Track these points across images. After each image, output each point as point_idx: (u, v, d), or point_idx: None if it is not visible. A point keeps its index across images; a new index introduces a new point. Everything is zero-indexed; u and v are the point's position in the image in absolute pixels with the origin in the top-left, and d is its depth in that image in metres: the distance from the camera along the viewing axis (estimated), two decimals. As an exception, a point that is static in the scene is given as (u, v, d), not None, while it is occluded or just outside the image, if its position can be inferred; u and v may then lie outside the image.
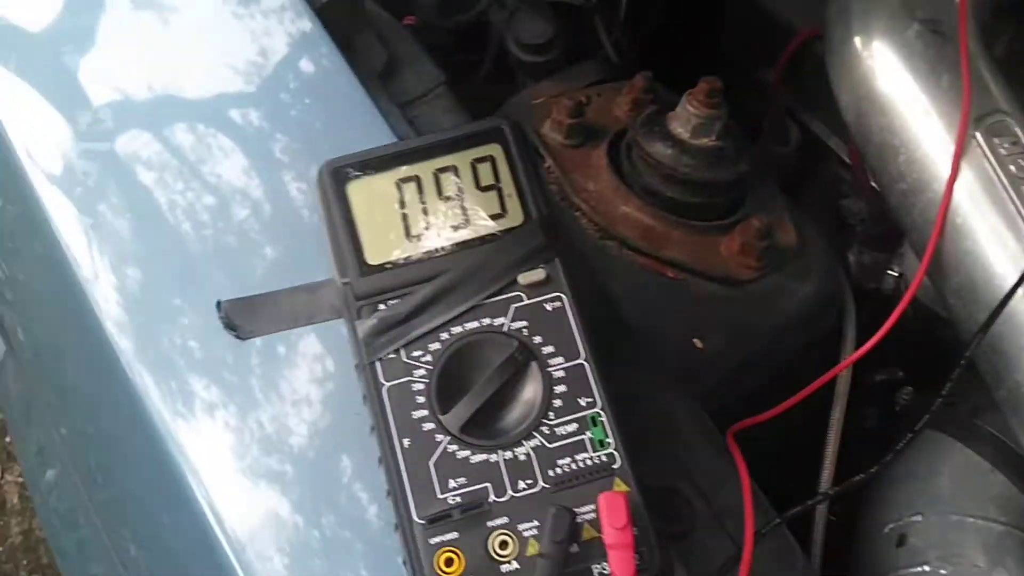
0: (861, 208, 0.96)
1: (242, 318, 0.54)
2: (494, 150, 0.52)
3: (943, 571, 0.63)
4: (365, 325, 0.49)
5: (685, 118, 0.66)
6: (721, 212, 0.68)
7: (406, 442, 0.47)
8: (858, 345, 0.72)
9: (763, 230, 0.64)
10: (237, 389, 0.54)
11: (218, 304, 0.55)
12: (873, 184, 0.89)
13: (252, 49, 0.64)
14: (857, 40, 0.67)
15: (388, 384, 0.48)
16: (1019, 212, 0.61)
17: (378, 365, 0.48)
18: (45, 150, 0.62)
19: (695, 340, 0.62)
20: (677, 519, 0.55)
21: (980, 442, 0.69)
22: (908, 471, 0.71)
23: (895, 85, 0.65)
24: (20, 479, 1.60)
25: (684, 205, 0.66)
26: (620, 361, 0.52)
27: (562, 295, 0.50)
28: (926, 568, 0.64)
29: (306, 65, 0.64)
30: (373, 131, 0.60)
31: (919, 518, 0.66)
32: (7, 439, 1.63)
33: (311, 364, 0.55)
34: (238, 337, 0.54)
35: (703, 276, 0.65)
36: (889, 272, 0.76)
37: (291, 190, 0.60)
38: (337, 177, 0.51)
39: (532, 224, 0.51)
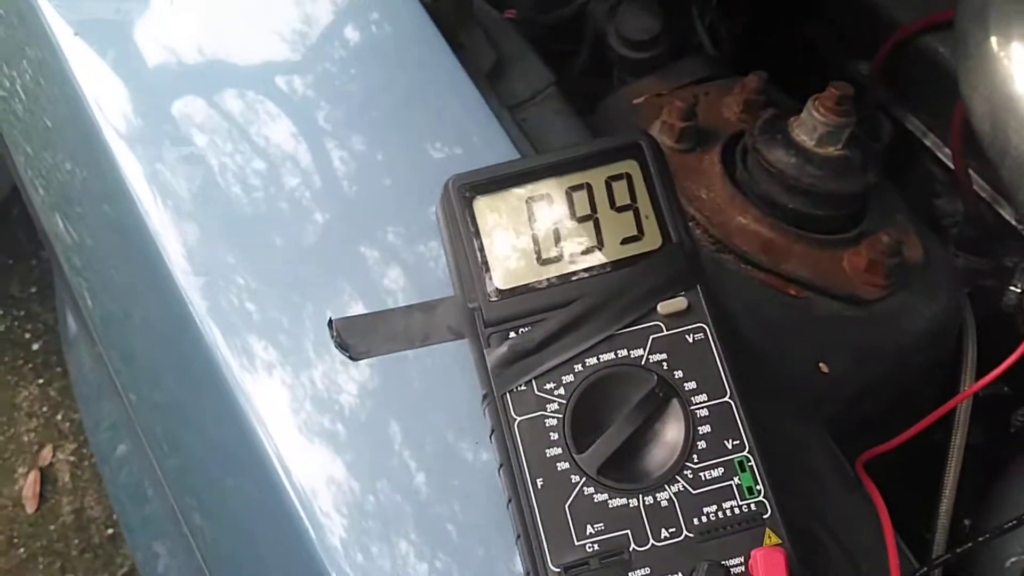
0: (956, 209, 0.92)
1: (355, 337, 0.51)
2: (630, 167, 0.48)
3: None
4: (495, 354, 0.46)
5: (811, 125, 0.62)
6: (844, 225, 0.64)
7: (539, 483, 0.44)
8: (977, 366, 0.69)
9: (893, 246, 0.61)
10: (292, 351, 0.53)
11: (330, 322, 0.52)
12: (976, 189, 0.85)
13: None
14: (995, 41, 0.63)
15: (519, 419, 0.45)
16: None
17: (509, 398, 0.45)
18: (114, 111, 0.62)
19: (820, 364, 0.58)
20: (811, 563, 0.51)
21: (1109, 472, 0.65)
22: (1028, 500, 0.67)
23: (1040, 94, 0.60)
24: (72, 458, 1.59)
25: (806, 217, 0.62)
26: (746, 383, 0.48)
27: (705, 326, 0.46)
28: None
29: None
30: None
31: (1045, 551, 0.63)
32: (59, 416, 1.63)
33: None
34: (351, 358, 0.51)
35: (827, 294, 0.61)
36: (1011, 288, 0.72)
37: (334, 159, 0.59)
38: (464, 194, 0.48)
39: (672, 248, 0.47)
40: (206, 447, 0.66)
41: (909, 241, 0.64)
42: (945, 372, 0.68)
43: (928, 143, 0.90)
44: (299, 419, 0.52)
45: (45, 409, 1.64)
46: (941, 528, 0.65)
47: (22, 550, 1.51)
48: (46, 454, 1.60)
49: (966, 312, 0.68)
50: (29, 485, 1.56)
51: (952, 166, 0.86)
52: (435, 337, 0.51)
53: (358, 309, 0.54)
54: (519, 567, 0.46)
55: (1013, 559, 0.64)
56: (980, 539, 0.52)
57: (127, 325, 0.78)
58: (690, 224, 0.62)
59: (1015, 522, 0.53)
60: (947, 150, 0.89)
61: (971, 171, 0.83)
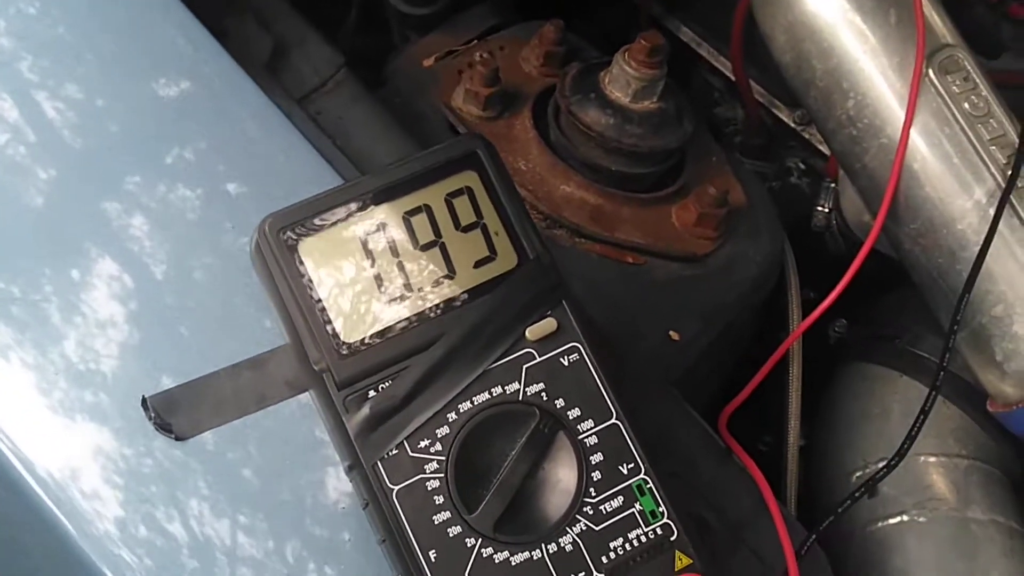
0: (736, 115, 0.93)
1: (177, 414, 0.44)
2: (470, 179, 0.43)
3: (921, 519, 0.63)
4: (356, 420, 0.40)
5: (624, 80, 0.58)
6: (667, 179, 0.62)
7: (432, 555, 0.39)
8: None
9: (720, 197, 0.59)
10: (31, 324, 0.48)
11: (144, 402, 0.44)
12: (756, 96, 0.86)
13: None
14: (797, -23, 0.62)
15: (397, 488, 0.40)
16: (977, 152, 0.58)
17: (381, 467, 0.40)
18: None
19: (671, 333, 0.56)
20: (699, 546, 0.50)
21: (927, 374, 0.69)
22: (860, 411, 0.70)
23: (840, 25, 0.60)
24: None
25: (631, 177, 0.60)
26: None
27: (578, 344, 0.43)
28: (904, 518, 0.63)
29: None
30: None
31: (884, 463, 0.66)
32: None
33: (109, 283, 0.50)
34: (176, 438, 0.44)
35: (664, 256, 0.59)
36: (819, 208, 0.73)
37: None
38: (285, 238, 0.41)
39: (530, 265, 0.43)
40: None
41: (731, 186, 0.63)
42: (765, 301, 0.69)
43: (703, 52, 0.90)
44: (52, 400, 0.46)
45: None
46: (792, 457, 0.67)
47: None
48: None
49: (786, 245, 0.69)
50: None
51: (728, 74, 0.87)
52: (272, 396, 0.45)
53: (105, 266, 0.50)
54: (331, 496, 0.44)
55: (858, 473, 0.67)
56: (855, 493, 0.53)
57: None
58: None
59: (884, 470, 0.54)
60: (723, 59, 0.89)
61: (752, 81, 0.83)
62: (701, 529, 0.50)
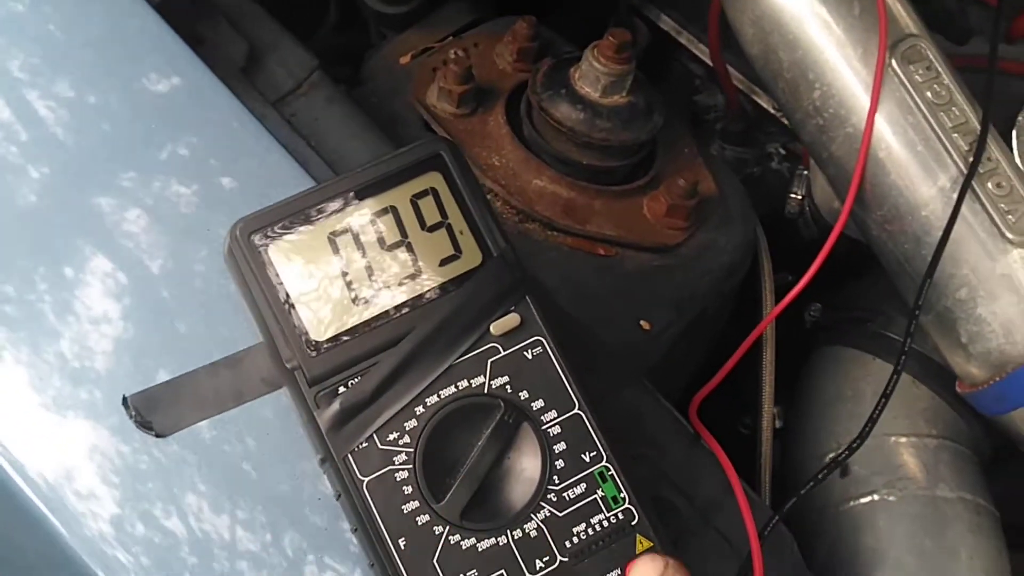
0: (716, 102, 0.94)
1: (157, 412, 0.46)
2: (434, 180, 0.44)
3: (891, 498, 0.65)
4: (327, 415, 0.42)
5: (593, 76, 0.59)
6: (638, 171, 0.63)
7: (402, 543, 0.41)
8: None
9: (689, 188, 0.60)
10: (25, 322, 0.48)
11: (124, 401, 0.46)
12: (735, 83, 0.87)
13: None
14: (760, -30, 0.63)
15: (367, 479, 0.42)
16: (940, 140, 0.60)
17: (351, 459, 0.42)
18: None
19: (642, 322, 0.58)
20: (666, 528, 0.52)
21: (896, 355, 0.70)
22: (833, 392, 0.72)
23: (806, 15, 0.61)
24: None
25: (602, 170, 0.61)
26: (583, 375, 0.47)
27: (541, 338, 0.44)
28: (875, 497, 0.65)
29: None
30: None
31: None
32: None
33: (103, 280, 0.50)
34: (156, 435, 0.46)
35: (635, 247, 0.60)
36: (792, 195, 0.74)
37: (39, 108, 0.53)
38: (254, 242, 0.42)
39: (494, 262, 0.44)
40: None
41: (701, 175, 0.64)
42: (739, 287, 0.70)
43: (683, 41, 0.91)
44: (46, 398, 0.47)
45: None
46: (766, 440, 0.69)
47: None
48: None
49: (759, 232, 0.70)
50: None
51: (708, 61, 0.88)
52: (249, 393, 0.46)
53: (99, 262, 0.50)
54: (330, 486, 0.44)
55: (831, 455, 0.69)
56: (819, 475, 0.55)
57: None
58: (488, 196, 0.60)
59: (847, 452, 0.55)
60: (702, 46, 0.90)
61: (727, 65, 0.84)
62: (668, 512, 0.52)
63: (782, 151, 0.91)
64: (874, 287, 0.75)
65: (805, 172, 0.73)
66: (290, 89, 0.56)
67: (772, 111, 0.88)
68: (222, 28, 0.55)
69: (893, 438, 0.67)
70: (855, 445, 0.55)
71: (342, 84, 0.66)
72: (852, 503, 0.66)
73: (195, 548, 0.44)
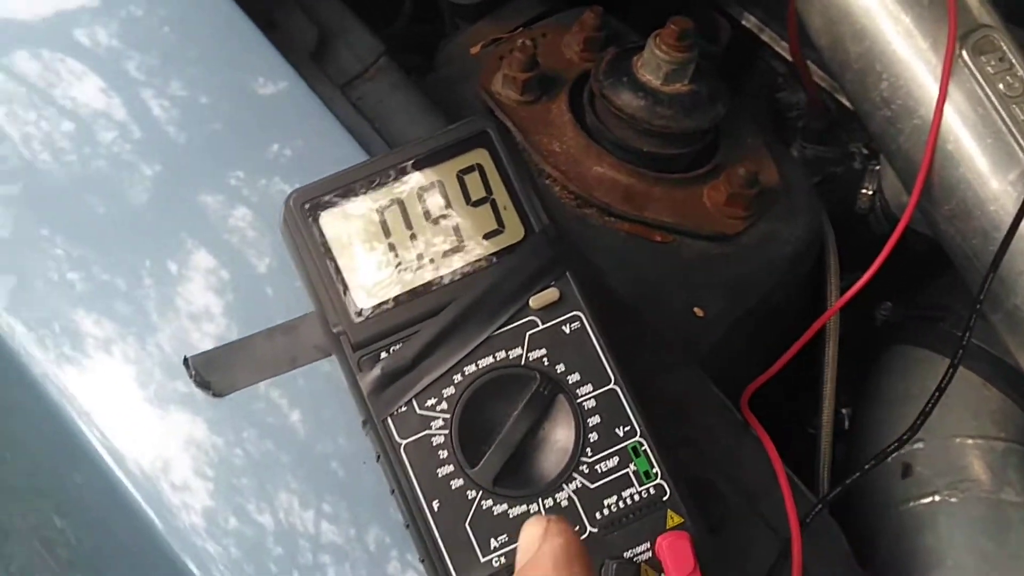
0: (799, 100, 0.93)
1: (215, 372, 0.48)
2: (480, 157, 0.46)
3: (953, 500, 0.63)
4: (368, 378, 0.44)
5: (655, 64, 0.60)
6: (700, 160, 0.63)
7: (435, 504, 0.43)
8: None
9: (749, 177, 0.60)
10: (132, 319, 0.50)
11: (185, 360, 0.48)
12: (816, 80, 0.86)
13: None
14: (828, -42, 0.62)
15: (405, 442, 0.43)
16: (1011, 133, 0.58)
17: (391, 422, 0.43)
18: None
19: (695, 309, 0.58)
20: (708, 511, 0.52)
21: (969, 357, 0.68)
22: (900, 392, 0.70)
23: (874, 7, 0.60)
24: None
25: (662, 158, 0.61)
26: (620, 343, 0.47)
27: (580, 313, 0.45)
28: (936, 499, 0.64)
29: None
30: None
31: (921, 445, 0.66)
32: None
33: (206, 276, 0.51)
34: (214, 395, 0.48)
35: (692, 235, 0.60)
36: (863, 191, 0.73)
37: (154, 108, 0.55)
38: (307, 211, 0.45)
39: (535, 238, 0.45)
40: (45, 445, 0.62)
41: (764, 167, 0.64)
42: (810, 281, 0.69)
43: (765, 38, 0.91)
44: (148, 391, 0.49)
45: None
46: (825, 436, 0.68)
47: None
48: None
49: (825, 225, 0.69)
50: None
51: (790, 58, 0.87)
52: (303, 359, 0.48)
53: (202, 257, 0.51)
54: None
55: (894, 455, 0.67)
56: (866, 467, 0.54)
57: None
58: (547, 182, 0.61)
59: (896, 444, 0.54)
60: (784, 44, 0.89)
61: (810, 62, 0.83)
62: (711, 495, 0.52)
63: (865, 150, 0.89)
64: (950, 287, 0.73)
65: (876, 167, 0.72)
66: (357, 73, 0.58)
67: (855, 108, 0.87)
68: (295, 14, 0.57)
69: (959, 439, 0.65)
70: (905, 437, 0.54)
71: (414, 72, 0.68)
72: (913, 503, 0.64)
73: (281, 540, 0.46)
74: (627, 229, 0.60)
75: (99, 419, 0.48)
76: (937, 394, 0.54)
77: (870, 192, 0.73)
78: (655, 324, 0.57)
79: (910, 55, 0.60)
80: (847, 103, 0.87)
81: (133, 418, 0.48)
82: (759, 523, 0.52)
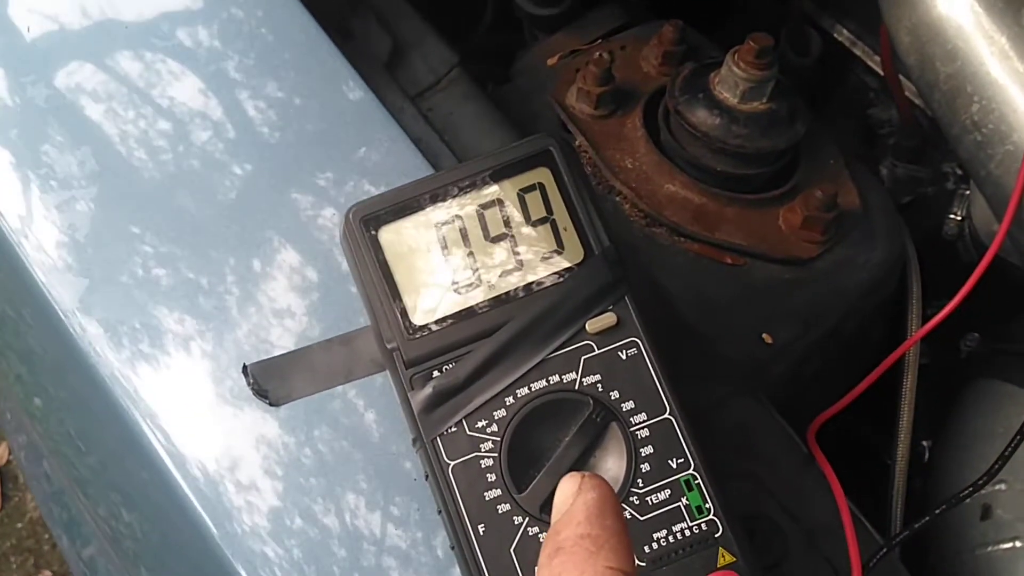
0: (891, 116, 0.90)
1: (273, 380, 0.49)
2: (542, 175, 0.45)
3: (1035, 546, 0.60)
4: (420, 397, 0.43)
5: (732, 81, 0.58)
6: (776, 180, 0.61)
7: (481, 529, 0.42)
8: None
9: (827, 201, 0.58)
10: (213, 315, 0.50)
11: (244, 369, 0.49)
12: (909, 96, 0.83)
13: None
14: (916, -30, 0.60)
15: (453, 463, 0.43)
16: (1112, 162, 0.55)
17: (440, 442, 0.43)
18: None
19: (764, 335, 0.56)
20: (767, 548, 0.50)
21: (1060, 396, 0.65)
22: (985, 429, 0.67)
23: (967, 24, 0.57)
24: (30, 452, 1.56)
25: (736, 178, 0.60)
26: (682, 368, 0.46)
27: (637, 340, 0.44)
28: (1017, 544, 0.60)
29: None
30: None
31: (1003, 487, 0.63)
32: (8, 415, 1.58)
33: (290, 275, 0.52)
34: (270, 404, 0.49)
35: (765, 258, 0.59)
36: (951, 216, 0.70)
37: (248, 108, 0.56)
38: (367, 225, 0.44)
39: (595, 260, 0.44)
40: (117, 441, 0.62)
41: (844, 189, 0.61)
42: (890, 308, 0.67)
43: (858, 52, 0.88)
44: (223, 388, 0.49)
45: (-8, 406, 1.59)
46: (899, 472, 0.65)
47: (-8, 551, 1.49)
48: (2, 452, 1.56)
49: (908, 249, 0.67)
50: (-11, 486, 1.53)
51: (883, 74, 0.84)
52: (358, 372, 0.49)
53: (288, 256, 0.52)
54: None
55: (974, 496, 0.64)
56: (937, 511, 0.52)
57: (20, 326, 0.73)
58: (616, 199, 0.60)
59: (971, 489, 0.52)
60: (877, 58, 0.86)
61: (902, 77, 0.80)
62: (770, 531, 0.51)
63: (958, 170, 0.85)
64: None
65: (966, 191, 0.69)
66: (429, 84, 0.58)
67: (950, 128, 0.83)
68: (370, 24, 0.57)
69: (1044, 483, 0.62)
70: (982, 481, 0.51)
71: (492, 82, 0.68)
72: (991, 548, 0.61)
73: (345, 542, 0.46)
74: (697, 250, 0.58)
75: (164, 420, 0.49)
76: (1019, 437, 0.51)
77: (959, 218, 0.70)
78: (721, 349, 0.56)
79: (1004, 77, 0.57)
80: (940, 122, 0.84)
81: (203, 416, 0.49)
82: (821, 561, 0.50)
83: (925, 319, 0.75)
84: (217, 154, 0.54)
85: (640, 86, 0.64)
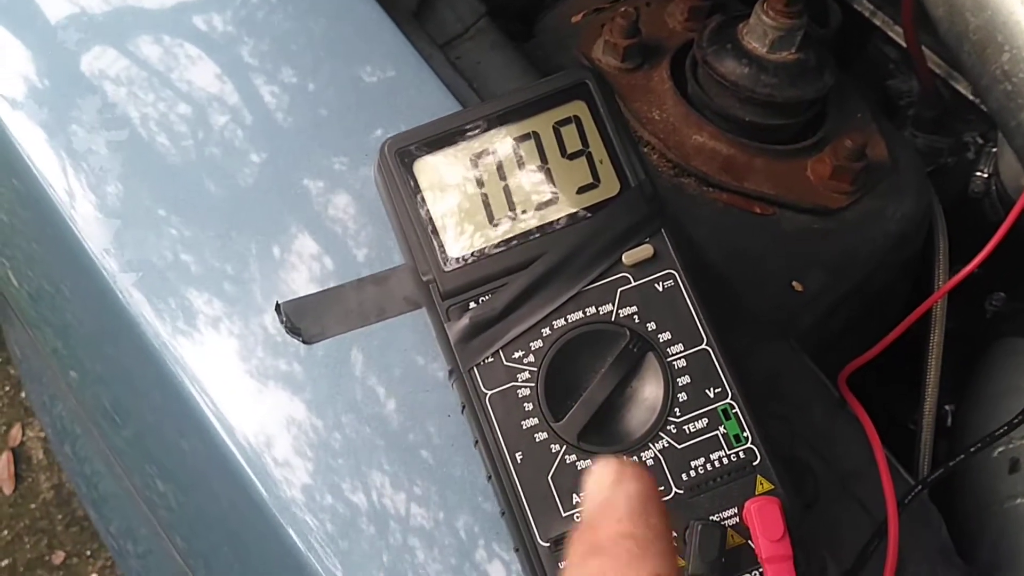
0: (911, 88, 0.89)
1: (306, 319, 0.49)
2: (578, 109, 0.45)
3: (1064, 499, 0.60)
4: (456, 328, 0.43)
5: (761, 31, 0.58)
6: (805, 132, 0.61)
7: (518, 457, 0.42)
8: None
9: (856, 151, 0.58)
10: (239, 299, 0.51)
11: (277, 306, 0.49)
12: (930, 66, 0.83)
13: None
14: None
15: (490, 392, 0.43)
16: None
17: (477, 372, 0.43)
18: (11, 74, 0.58)
19: (794, 283, 0.56)
20: (800, 490, 0.50)
21: (1086, 351, 0.65)
22: (1010, 385, 0.67)
23: (998, -28, 0.57)
24: (42, 434, 1.56)
25: (765, 128, 0.59)
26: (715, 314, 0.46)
27: (673, 272, 0.44)
28: (1046, 496, 0.60)
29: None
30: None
31: (1029, 438, 0.62)
32: (22, 395, 1.59)
33: (310, 264, 0.52)
34: (303, 341, 0.49)
35: (794, 208, 0.58)
36: (978, 174, 0.70)
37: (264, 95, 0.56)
38: (403, 158, 0.45)
39: (631, 193, 0.44)
40: (155, 412, 0.64)
41: (873, 142, 0.61)
42: (916, 266, 0.67)
43: (877, 22, 0.87)
44: (250, 366, 0.49)
45: (7, 388, 1.60)
46: (927, 427, 0.65)
47: (6, 532, 1.49)
48: (15, 434, 1.56)
49: (935, 206, 0.66)
50: (3, 466, 1.53)
51: (903, 43, 0.83)
52: (391, 310, 0.48)
53: (306, 242, 0.52)
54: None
55: (1000, 449, 0.64)
56: (972, 449, 0.51)
57: (57, 299, 0.74)
58: (644, 150, 0.60)
59: (1005, 428, 0.52)
60: (898, 28, 0.85)
61: (924, 48, 0.80)
62: (803, 473, 0.51)
63: (979, 139, 0.85)
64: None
65: (993, 148, 0.69)
66: (457, 33, 0.58)
67: (971, 97, 0.83)
68: (399, -27, 0.57)
69: (1073, 436, 0.62)
70: (1017, 421, 0.51)
71: (514, 40, 0.68)
72: (1019, 500, 0.61)
73: (373, 520, 0.46)
74: (725, 200, 0.58)
75: (212, 391, 0.50)
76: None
77: (985, 175, 0.70)
78: (751, 298, 0.55)
79: (1036, 25, 0.56)
80: (963, 91, 0.84)
81: (240, 394, 0.49)
82: (853, 503, 0.50)
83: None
84: (236, 141, 0.55)
85: (666, 41, 0.64)
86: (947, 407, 0.74)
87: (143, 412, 0.69)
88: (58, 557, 1.48)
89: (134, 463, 0.80)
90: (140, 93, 0.56)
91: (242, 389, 0.49)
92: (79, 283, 0.62)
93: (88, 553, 1.48)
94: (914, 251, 0.64)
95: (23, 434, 1.56)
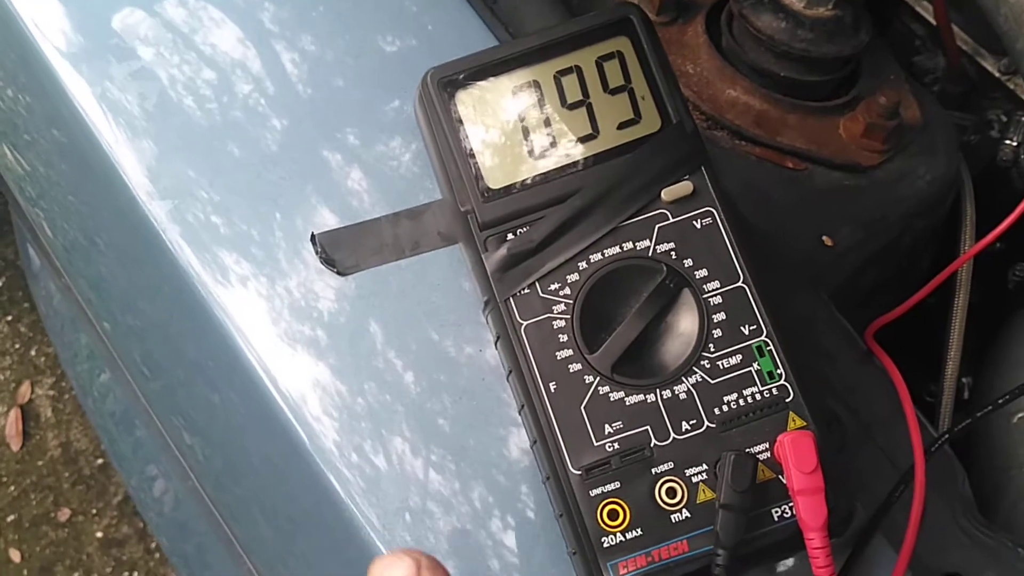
0: (937, 65, 0.89)
1: (341, 251, 0.49)
2: (621, 44, 0.45)
3: (1084, 465, 0.60)
4: (494, 258, 0.43)
5: (798, -15, 0.58)
6: (838, 90, 0.61)
7: (552, 386, 0.42)
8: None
9: (890, 109, 0.58)
10: (265, 262, 0.52)
11: (313, 237, 0.49)
12: (960, 45, 0.82)
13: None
14: None
15: (526, 323, 0.43)
16: None
17: (512, 302, 0.43)
18: (54, 30, 0.59)
19: (824, 238, 0.56)
20: (828, 438, 0.50)
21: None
22: (1031, 355, 0.67)
23: (1039, -67, 0.57)
24: (51, 392, 1.57)
25: (799, 84, 0.59)
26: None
27: (712, 209, 0.44)
28: (1066, 461, 0.60)
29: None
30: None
31: (1051, 406, 0.63)
32: (32, 352, 1.59)
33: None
34: (338, 272, 0.49)
35: (826, 164, 0.58)
36: (1007, 142, 0.70)
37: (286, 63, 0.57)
38: (445, 88, 0.45)
39: (672, 129, 0.44)
40: (188, 366, 0.65)
41: (906, 102, 0.61)
42: (943, 233, 0.67)
43: (905, -2, 0.87)
44: (279, 328, 0.50)
45: (17, 346, 1.60)
46: (947, 390, 0.65)
47: (12, 488, 1.50)
48: (24, 391, 1.57)
49: (963, 171, 0.66)
50: (11, 423, 1.54)
51: (931, 20, 0.83)
52: (425, 244, 0.49)
53: (326, 215, 0.52)
54: (510, 453, 0.46)
55: (1020, 414, 0.64)
56: (999, 400, 0.52)
57: (92, 252, 0.75)
58: (678, 102, 0.60)
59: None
60: (925, 3, 0.85)
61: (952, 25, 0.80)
62: (831, 421, 0.51)
63: (1004, 118, 0.85)
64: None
65: (1022, 117, 0.69)
66: (495, -22, 0.58)
67: (997, 75, 0.83)
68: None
69: (1094, 403, 0.62)
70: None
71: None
72: (1039, 466, 0.61)
73: (395, 481, 0.47)
74: (758, 153, 0.58)
75: (256, 341, 0.50)
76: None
77: (1014, 143, 0.69)
78: (781, 250, 0.56)
79: (1076, -13, 0.56)
80: (990, 69, 0.84)
81: (273, 351, 0.50)
82: (877, 452, 0.50)
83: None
84: (259, 108, 0.55)
85: (700, -2, 0.64)
86: (964, 379, 0.74)
87: (173, 367, 0.69)
88: (64, 514, 1.49)
89: (162, 416, 0.81)
90: (166, 54, 0.57)
91: (276, 348, 0.50)
92: (119, 235, 0.63)
93: (94, 511, 1.49)
94: (943, 214, 0.64)
95: (32, 391, 1.57)
